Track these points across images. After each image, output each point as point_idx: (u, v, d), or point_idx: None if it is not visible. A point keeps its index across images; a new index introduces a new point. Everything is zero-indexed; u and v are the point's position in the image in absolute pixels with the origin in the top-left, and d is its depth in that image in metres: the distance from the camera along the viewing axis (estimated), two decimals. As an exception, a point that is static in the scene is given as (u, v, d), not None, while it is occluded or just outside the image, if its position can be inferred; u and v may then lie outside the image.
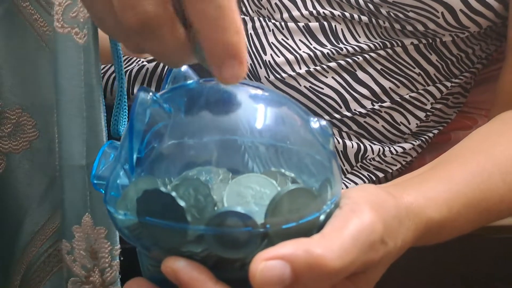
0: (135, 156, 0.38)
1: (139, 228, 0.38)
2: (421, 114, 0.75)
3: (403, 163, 0.78)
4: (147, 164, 0.39)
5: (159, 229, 0.37)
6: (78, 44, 0.53)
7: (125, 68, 0.80)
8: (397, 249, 0.43)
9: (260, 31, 0.75)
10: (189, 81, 0.43)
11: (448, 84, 0.75)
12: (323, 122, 0.42)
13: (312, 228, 0.39)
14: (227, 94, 0.42)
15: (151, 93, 0.38)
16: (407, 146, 0.77)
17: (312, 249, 0.36)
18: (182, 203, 0.36)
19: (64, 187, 0.54)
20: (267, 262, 0.35)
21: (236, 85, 0.41)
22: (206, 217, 0.36)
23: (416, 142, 0.77)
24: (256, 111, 0.41)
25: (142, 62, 0.80)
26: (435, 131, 0.79)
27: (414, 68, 0.72)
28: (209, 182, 0.38)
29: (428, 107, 0.75)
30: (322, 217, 0.39)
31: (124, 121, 0.57)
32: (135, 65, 0.80)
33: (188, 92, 0.42)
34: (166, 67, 0.79)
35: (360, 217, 0.39)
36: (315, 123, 0.41)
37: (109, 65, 0.84)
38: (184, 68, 0.44)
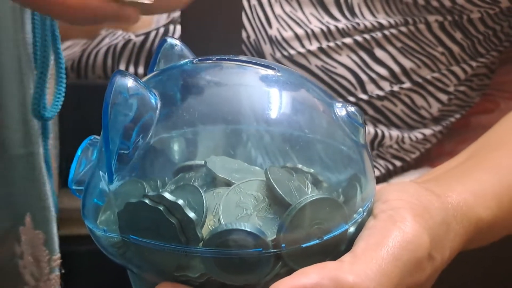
0: (114, 160, 0.33)
1: (124, 247, 0.34)
2: (444, 97, 0.73)
3: (422, 150, 0.76)
4: (134, 164, 0.34)
5: (146, 250, 0.32)
6: None
7: (109, 43, 0.77)
8: (444, 262, 0.38)
9: (264, 1, 0.73)
10: (182, 61, 0.39)
11: (473, 63, 0.73)
12: (351, 108, 0.37)
13: (340, 245, 0.35)
14: (231, 76, 0.38)
15: (131, 78, 0.33)
16: (427, 132, 0.75)
17: (343, 276, 0.32)
18: (173, 220, 0.31)
19: (4, 181, 0.47)
20: None
21: (241, 65, 0.37)
22: (204, 236, 0.32)
23: (436, 127, 0.76)
24: (267, 95, 0.37)
25: (129, 36, 0.78)
26: (457, 116, 0.77)
27: (437, 46, 0.70)
28: (207, 189, 0.34)
29: (451, 89, 0.73)
30: (351, 229, 0.35)
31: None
32: (121, 40, 0.77)
33: (182, 75, 0.38)
34: (157, 41, 0.78)
35: (402, 228, 0.35)
36: (341, 109, 0.37)
37: (99, 38, 0.80)
38: (177, 44, 0.40)
